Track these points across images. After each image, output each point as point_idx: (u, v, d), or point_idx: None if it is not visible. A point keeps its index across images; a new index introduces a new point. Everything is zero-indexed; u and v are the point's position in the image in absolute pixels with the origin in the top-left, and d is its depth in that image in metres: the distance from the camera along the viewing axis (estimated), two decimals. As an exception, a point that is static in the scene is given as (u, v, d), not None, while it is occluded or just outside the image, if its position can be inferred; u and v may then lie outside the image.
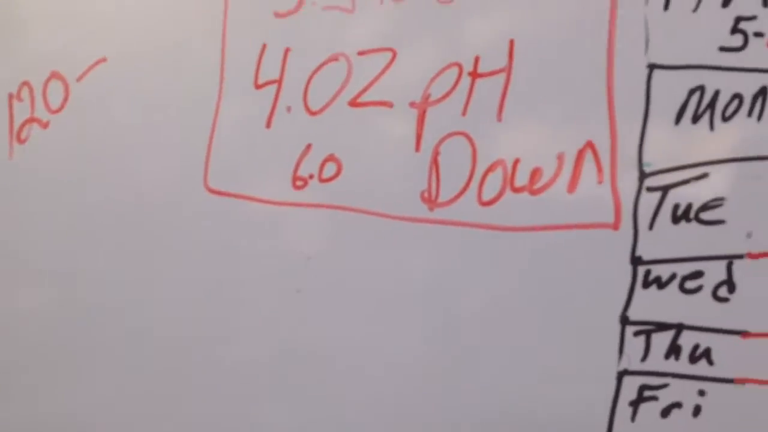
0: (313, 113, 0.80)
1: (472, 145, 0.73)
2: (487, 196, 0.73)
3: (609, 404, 0.68)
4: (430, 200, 0.74)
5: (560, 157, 0.70)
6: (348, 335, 0.79)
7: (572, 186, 0.70)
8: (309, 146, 0.80)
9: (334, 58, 0.80)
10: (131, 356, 0.89)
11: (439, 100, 0.75)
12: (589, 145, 0.69)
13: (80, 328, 0.90)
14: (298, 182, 0.81)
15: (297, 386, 0.82)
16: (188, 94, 0.86)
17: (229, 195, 0.83)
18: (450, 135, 0.74)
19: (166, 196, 0.87)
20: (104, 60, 0.88)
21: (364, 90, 0.78)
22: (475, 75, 0.73)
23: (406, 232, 0.77)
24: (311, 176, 0.80)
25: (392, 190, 0.77)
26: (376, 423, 0.78)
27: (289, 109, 0.81)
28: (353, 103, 0.79)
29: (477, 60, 0.73)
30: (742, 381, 0.63)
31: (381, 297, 0.78)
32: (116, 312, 0.88)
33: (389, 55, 0.77)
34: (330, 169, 0.79)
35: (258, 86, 0.83)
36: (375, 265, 0.78)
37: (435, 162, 0.74)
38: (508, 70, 0.72)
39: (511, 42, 0.72)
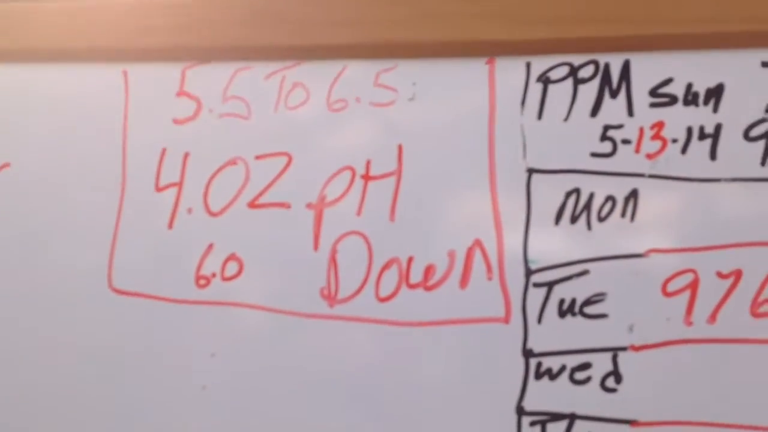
0: (213, 214, 0.77)
1: (368, 243, 0.70)
2: (384, 292, 0.71)
3: (510, 496, 0.63)
4: (330, 297, 0.71)
5: (451, 255, 0.68)
6: (255, 429, 0.73)
7: (464, 282, 0.68)
8: (211, 245, 0.77)
9: (232, 162, 0.77)
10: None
11: (334, 201, 0.73)
12: (478, 243, 0.67)
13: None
14: (201, 281, 0.77)
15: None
16: (91, 196, 0.82)
17: (132, 294, 0.77)
18: (346, 234, 0.72)
19: (69, 296, 0.81)
20: (7, 165, 0.81)
21: (263, 192, 0.76)
22: (367, 177, 0.72)
23: (307, 328, 0.74)
24: (213, 275, 0.77)
25: (293, 287, 0.75)
26: None
27: (190, 210, 0.78)
28: (252, 205, 0.76)
29: (368, 163, 0.71)
30: (633, 470, 0.60)
31: (284, 393, 0.75)
32: (11, 407, 0.80)
33: (285, 159, 0.74)
34: (232, 268, 0.76)
35: (159, 189, 0.78)
36: (277, 362, 0.75)
37: (333, 260, 0.71)
38: (398, 173, 0.70)
39: (400, 147, 0.70)
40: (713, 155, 0.61)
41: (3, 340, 0.84)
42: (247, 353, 0.77)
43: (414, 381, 0.70)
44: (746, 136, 0.60)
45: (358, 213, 0.72)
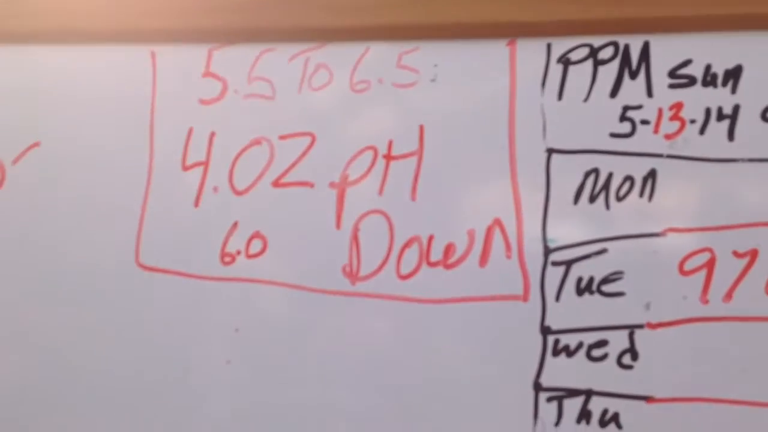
0: (238, 193, 0.78)
1: (389, 222, 0.70)
2: (405, 270, 0.71)
3: (526, 467, 0.64)
4: (352, 274, 0.72)
5: (471, 234, 0.68)
6: (277, 404, 0.75)
7: (483, 261, 0.68)
8: (236, 224, 0.77)
9: (257, 142, 0.78)
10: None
11: (356, 181, 0.73)
12: (497, 222, 0.67)
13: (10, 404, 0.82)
14: (226, 258, 0.77)
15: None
16: (119, 175, 0.82)
17: (159, 271, 0.78)
18: (368, 213, 0.72)
19: (99, 272, 0.82)
20: (37, 144, 0.82)
21: (286, 171, 0.76)
22: (389, 157, 0.72)
23: (329, 305, 0.74)
24: (238, 252, 0.77)
25: (315, 265, 0.75)
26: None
27: (215, 189, 0.78)
28: (276, 184, 0.76)
29: (390, 144, 0.71)
30: (651, 443, 0.60)
31: (306, 368, 0.75)
32: (54, 385, 0.81)
33: (309, 139, 0.74)
34: (256, 246, 0.76)
35: (186, 168, 0.78)
36: (299, 338, 0.76)
37: (355, 238, 0.72)
38: (419, 153, 0.70)
39: (421, 127, 0.70)
40: (731, 136, 0.61)
41: (32, 315, 0.85)
42: (269, 329, 0.77)
43: (433, 357, 0.71)
44: (764, 117, 0.60)
45: (380, 192, 0.72)
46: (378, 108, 0.73)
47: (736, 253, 0.59)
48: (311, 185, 0.75)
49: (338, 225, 0.74)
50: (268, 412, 0.76)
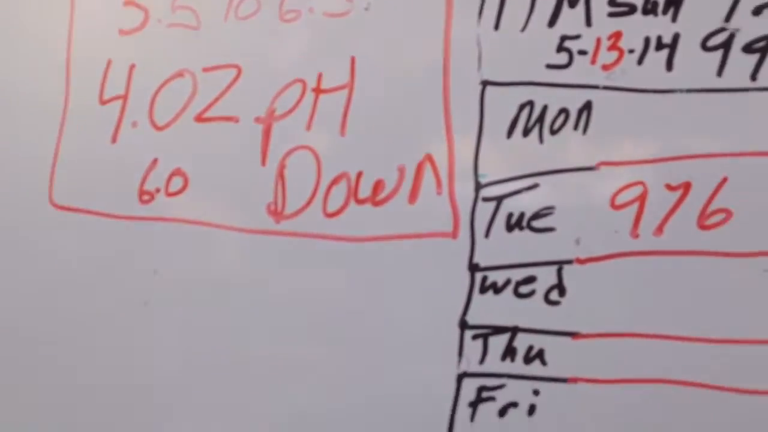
0: (159, 128, 0.75)
1: (317, 158, 0.68)
2: (332, 207, 0.69)
3: (449, 406, 0.63)
4: (276, 213, 0.69)
5: (401, 170, 0.66)
6: (196, 347, 0.72)
7: (413, 197, 0.66)
8: (155, 161, 0.75)
9: (179, 74, 0.75)
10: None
11: (284, 115, 0.71)
12: (428, 158, 0.66)
13: None
14: (145, 197, 0.75)
15: (139, 399, 0.75)
16: (33, 109, 0.78)
17: (74, 210, 0.74)
18: (295, 149, 0.70)
19: (8, 211, 0.78)
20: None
21: (210, 105, 0.74)
22: (318, 91, 0.69)
23: (252, 244, 0.72)
24: (157, 190, 0.75)
25: (238, 202, 0.73)
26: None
27: (134, 124, 0.76)
28: (199, 119, 0.74)
29: (320, 76, 0.68)
30: (574, 380, 0.61)
31: (228, 308, 0.73)
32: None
33: (234, 71, 0.72)
34: (176, 184, 0.74)
35: (103, 102, 0.75)
36: (221, 277, 0.73)
37: (281, 175, 0.69)
38: (350, 86, 0.67)
39: (353, 59, 0.67)
40: (670, 66, 0.60)
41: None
42: (190, 269, 0.75)
43: (359, 296, 0.69)
44: (704, 46, 0.59)
45: (308, 127, 0.70)
46: (308, 39, 0.71)
47: (669, 186, 0.59)
48: (236, 120, 0.73)
49: (263, 161, 0.72)
50: (186, 356, 0.73)
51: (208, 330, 0.73)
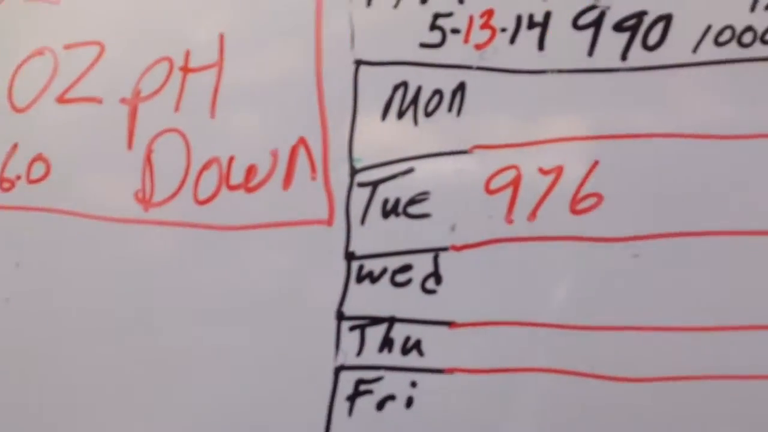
0: (18, 110, 0.71)
1: (186, 142, 0.65)
2: (203, 194, 0.66)
3: (327, 400, 0.61)
4: (145, 200, 0.66)
5: (274, 154, 0.64)
6: (61, 345, 0.70)
7: (287, 183, 0.64)
8: (15, 146, 0.71)
9: (39, 53, 0.71)
10: None
11: (150, 96, 0.67)
12: (302, 141, 0.63)
13: None
14: (5, 184, 0.71)
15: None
16: None
17: (-75, 199, 0.69)
18: (163, 132, 0.67)
19: None
20: None
21: (72, 86, 0.70)
22: (186, 70, 0.66)
23: (120, 234, 0.69)
24: (18, 177, 0.71)
25: (105, 190, 0.69)
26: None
27: None
28: (61, 99, 0.70)
29: (188, 54, 0.64)
30: (452, 371, 0.60)
31: (95, 301, 0.70)
32: None
33: (97, 48, 0.68)
34: (38, 170, 0.70)
35: (-46, 83, 0.69)
36: (88, 270, 0.70)
37: (148, 160, 0.66)
38: (219, 65, 0.64)
39: (221, 36, 0.64)
40: (541, 45, 0.58)
41: None
42: (54, 262, 0.71)
43: (232, 287, 0.66)
44: (575, 24, 0.57)
45: (176, 109, 0.67)
46: (174, 14, 0.67)
47: (542, 170, 0.57)
48: (99, 101, 0.69)
49: (130, 145, 0.68)
50: (46, 353, 0.70)
51: (73, 324, 0.69)
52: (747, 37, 0.56)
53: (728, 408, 0.57)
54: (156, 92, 0.67)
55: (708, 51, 0.56)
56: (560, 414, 0.58)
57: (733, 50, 0.56)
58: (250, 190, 0.65)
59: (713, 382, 0.57)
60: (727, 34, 0.56)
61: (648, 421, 0.58)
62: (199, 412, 0.67)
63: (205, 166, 0.66)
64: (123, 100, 0.68)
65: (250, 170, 0.65)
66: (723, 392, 0.56)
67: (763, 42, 0.56)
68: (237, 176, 0.66)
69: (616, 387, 0.56)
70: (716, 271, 0.56)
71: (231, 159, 0.66)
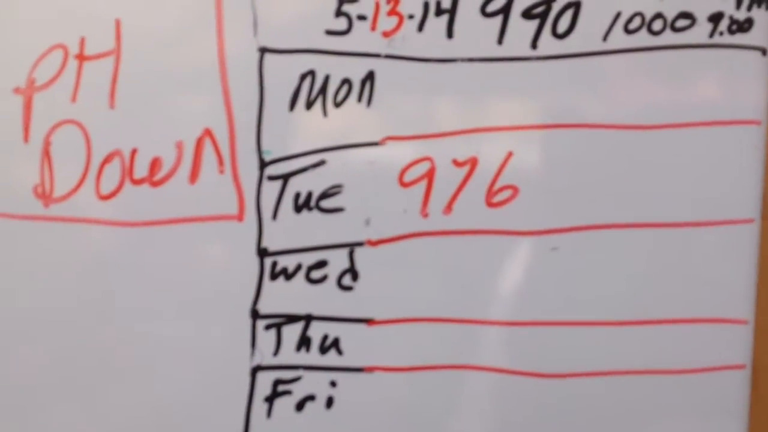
0: None
1: (86, 134, 0.63)
2: (105, 189, 0.64)
3: (245, 402, 0.60)
4: (44, 195, 0.64)
5: (179, 146, 0.62)
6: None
7: (193, 177, 0.62)
8: None
9: None
10: None
11: (45, 86, 0.64)
12: (208, 133, 0.61)
13: None
14: None
15: None
16: None
17: None
18: (60, 123, 0.64)
19: None
20: None
21: None
22: (82, 58, 0.63)
23: (19, 231, 0.66)
24: None
25: (1, 185, 0.65)
26: None
27: None
28: None
29: (83, 42, 0.62)
30: (371, 369, 0.60)
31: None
32: None
33: (-15, 35, 0.62)
34: None
35: None
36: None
37: (47, 153, 0.64)
38: (117, 53, 0.61)
39: (118, 22, 0.61)
40: (450, 33, 0.57)
41: None
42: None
43: (139, 287, 0.64)
44: (483, 11, 0.56)
45: (73, 99, 0.64)
46: (65, -2, 0.63)
47: (456, 162, 0.57)
48: (-9, 92, 0.63)
49: (26, 138, 0.65)
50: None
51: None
52: (657, 25, 0.55)
53: (650, 401, 0.58)
54: (51, 81, 0.65)
55: (618, 39, 0.56)
56: (480, 410, 0.58)
57: (643, 38, 0.55)
58: (155, 184, 0.63)
59: (628, 378, 0.57)
60: (636, 22, 0.55)
61: (566, 416, 0.58)
62: (116, 415, 0.65)
63: (107, 159, 0.64)
64: (17, 90, 0.65)
65: (155, 163, 0.63)
66: (640, 385, 0.57)
67: (674, 29, 0.56)
68: (141, 170, 0.64)
69: (536, 383, 0.56)
70: (636, 263, 0.56)
71: (134, 151, 0.63)
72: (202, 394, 0.63)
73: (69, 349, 0.65)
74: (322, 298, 0.60)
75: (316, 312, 0.60)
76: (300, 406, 0.60)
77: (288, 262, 0.60)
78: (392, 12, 0.57)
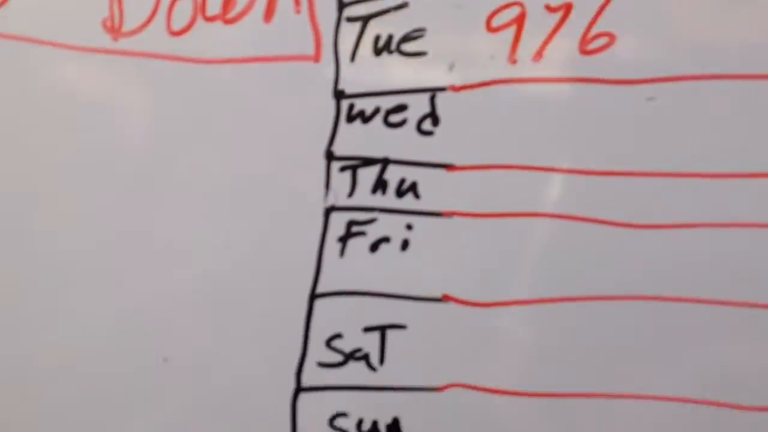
0: None
1: (194, -33, 0.59)
2: (176, 25, 0.63)
3: (317, 241, 0.61)
4: (114, 29, 0.63)
5: (254, -17, 0.58)
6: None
7: (268, 15, 0.61)
8: None
9: None
10: None
11: None
12: (283, -31, 0.58)
13: None
14: None
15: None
16: None
17: None
18: (131, -44, 0.60)
19: None
20: None
21: None
22: None
23: (86, 64, 0.65)
24: None
25: (70, 17, 0.65)
26: None
27: None
28: None
29: None
30: (449, 214, 0.60)
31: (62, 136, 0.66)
32: None
33: None
34: None
35: None
36: (52, 103, 0.67)
37: (115, -15, 0.60)
38: None
39: None
40: None
41: None
42: (18, 90, 0.68)
43: (208, 127, 0.65)
44: None
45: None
46: None
47: (548, 8, 0.55)
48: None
49: (94, -30, 0.62)
50: None
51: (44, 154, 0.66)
52: None
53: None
54: None
55: None
56: (563, 261, 0.59)
57: None
58: (228, 21, 0.62)
59: (723, 230, 0.57)
60: None
61: (658, 269, 0.59)
62: (191, 246, 0.66)
63: (178, -5, 0.62)
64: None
65: (228, 0, 0.61)
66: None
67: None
68: (214, 6, 0.63)
69: (624, 233, 0.56)
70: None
71: (206, -13, 0.61)
72: (275, 232, 0.65)
73: (144, 169, 0.66)
74: (401, 142, 0.60)
75: (393, 156, 0.60)
76: (374, 247, 0.61)
77: (365, 105, 0.60)
78: None
